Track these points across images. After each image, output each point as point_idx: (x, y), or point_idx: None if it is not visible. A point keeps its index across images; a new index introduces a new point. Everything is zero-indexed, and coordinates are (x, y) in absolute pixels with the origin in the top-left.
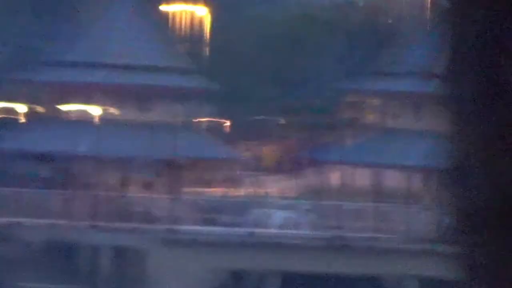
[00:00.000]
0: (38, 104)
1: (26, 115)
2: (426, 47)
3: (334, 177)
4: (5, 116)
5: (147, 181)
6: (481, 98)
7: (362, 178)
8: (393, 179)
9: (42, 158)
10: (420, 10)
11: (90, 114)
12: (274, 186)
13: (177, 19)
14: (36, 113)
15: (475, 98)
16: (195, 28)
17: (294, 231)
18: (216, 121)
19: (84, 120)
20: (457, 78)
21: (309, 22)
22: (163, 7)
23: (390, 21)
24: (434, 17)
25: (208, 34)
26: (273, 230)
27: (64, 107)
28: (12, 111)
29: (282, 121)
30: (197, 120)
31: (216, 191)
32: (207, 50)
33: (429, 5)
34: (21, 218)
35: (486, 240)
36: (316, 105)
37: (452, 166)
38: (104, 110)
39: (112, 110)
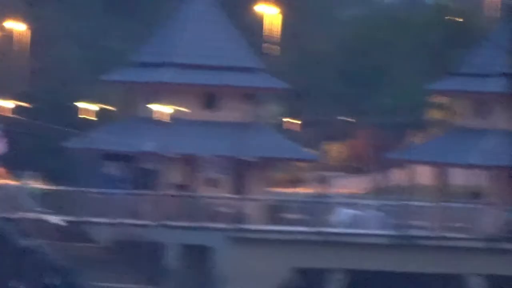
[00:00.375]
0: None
1: (113, 115)
2: (500, 47)
3: (404, 176)
4: (95, 117)
5: (213, 179)
6: None
7: (434, 176)
8: (465, 178)
9: (130, 159)
10: (495, 10)
11: (177, 113)
12: (345, 185)
13: (257, 20)
14: (122, 113)
15: None
16: (271, 29)
17: (361, 230)
18: (292, 121)
19: (171, 121)
20: None
21: (391, 24)
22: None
23: (469, 22)
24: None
25: (283, 35)
26: (340, 229)
27: (150, 107)
28: (100, 111)
29: (356, 120)
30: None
31: (287, 190)
32: (284, 51)
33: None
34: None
35: None
36: (388, 105)
37: None
38: (191, 110)
39: (195, 110)
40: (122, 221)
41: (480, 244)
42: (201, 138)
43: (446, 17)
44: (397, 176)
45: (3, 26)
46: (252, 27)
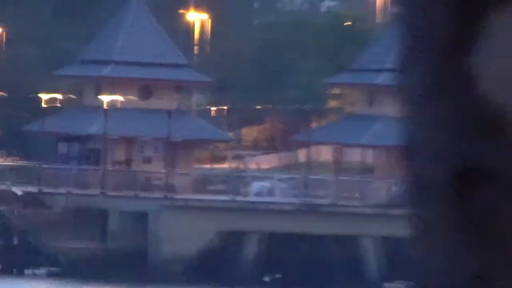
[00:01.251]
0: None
1: (65, 104)
2: (388, 47)
3: (308, 154)
4: (50, 105)
5: (148, 157)
6: (428, 89)
7: (333, 154)
8: (359, 156)
9: (79, 140)
10: (385, 16)
11: (111, 102)
12: (259, 162)
13: (188, 24)
14: (72, 102)
15: (423, 88)
16: (200, 32)
17: (272, 199)
18: (213, 108)
19: (113, 109)
20: (407, 70)
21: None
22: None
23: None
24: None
25: (209, 37)
26: (255, 198)
27: (96, 97)
28: (54, 101)
29: (269, 108)
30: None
31: (211, 166)
32: (211, 51)
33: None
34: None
35: (431, 203)
36: (294, 95)
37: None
38: (126, 99)
39: (129, 99)
40: (72, 191)
41: (371, 211)
42: (138, 123)
43: (342, 23)
44: (303, 155)
45: None
46: (184, 30)
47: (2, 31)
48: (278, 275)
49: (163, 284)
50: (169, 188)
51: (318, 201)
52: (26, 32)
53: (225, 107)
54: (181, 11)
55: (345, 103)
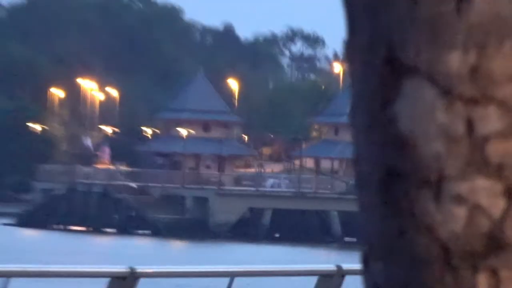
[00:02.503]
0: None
1: (159, 134)
2: (345, 99)
3: (300, 164)
4: (150, 134)
5: (208, 165)
6: (366, 126)
7: (311, 163)
8: (331, 164)
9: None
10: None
11: (187, 133)
12: (271, 168)
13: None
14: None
15: (363, 126)
16: None
17: (278, 188)
18: (245, 136)
19: (183, 136)
20: (354, 115)
21: None
22: None
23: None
24: None
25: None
26: (269, 188)
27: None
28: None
29: (276, 136)
30: None
31: (246, 170)
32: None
33: None
34: None
35: (367, 192)
36: (291, 129)
37: (353, 157)
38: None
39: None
40: (164, 185)
41: (336, 196)
42: (203, 145)
43: (319, 87)
44: (297, 163)
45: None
46: (227, 90)
47: (118, 92)
48: (282, 233)
49: (217, 239)
50: (220, 183)
51: (305, 190)
52: (134, 91)
53: (252, 136)
54: (225, 79)
55: (321, 134)
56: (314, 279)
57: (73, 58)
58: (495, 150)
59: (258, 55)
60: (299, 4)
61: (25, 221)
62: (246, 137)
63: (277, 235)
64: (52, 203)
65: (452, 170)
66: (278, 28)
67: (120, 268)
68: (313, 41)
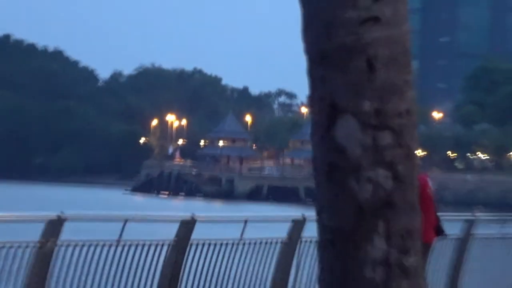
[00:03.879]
0: None
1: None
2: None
3: (285, 161)
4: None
5: (234, 163)
6: (316, 143)
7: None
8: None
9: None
10: None
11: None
12: (269, 163)
13: None
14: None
15: (316, 144)
16: None
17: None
18: (254, 147)
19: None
20: (312, 138)
21: None
22: None
23: None
24: None
25: None
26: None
27: None
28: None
29: (272, 147)
30: None
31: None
32: None
33: None
34: None
35: (319, 178)
36: (279, 143)
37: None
38: None
39: None
40: (211, 172)
41: (308, 177)
42: (230, 151)
43: (294, 120)
44: (281, 161)
45: None
46: (245, 122)
47: (186, 121)
48: (273, 197)
49: (239, 200)
50: (240, 171)
51: (286, 175)
52: (195, 121)
53: (257, 146)
54: (243, 116)
55: (294, 145)
56: (288, 223)
57: (164, 103)
58: (388, 155)
59: (261, 103)
60: (287, 70)
61: (135, 190)
62: (254, 146)
63: (270, 198)
64: (150, 181)
65: (365, 164)
66: (274, 87)
67: (186, 215)
68: (291, 95)
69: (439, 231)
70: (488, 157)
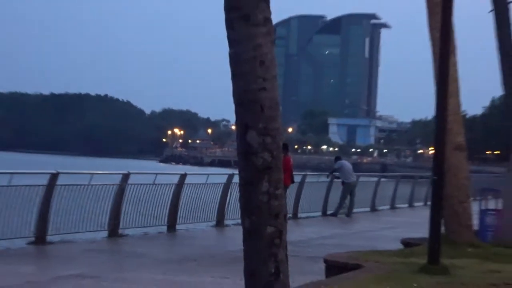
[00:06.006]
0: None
1: None
2: None
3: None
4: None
5: None
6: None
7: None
8: None
9: None
10: None
11: None
12: None
13: None
14: None
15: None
16: None
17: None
18: None
19: None
20: None
21: None
22: None
23: None
24: None
25: None
26: None
27: None
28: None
29: None
30: None
31: None
32: None
33: None
34: None
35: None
36: None
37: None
38: None
39: None
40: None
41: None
42: None
43: None
44: None
45: None
46: None
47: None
48: (221, 165)
49: (204, 166)
50: (206, 154)
51: (227, 155)
52: None
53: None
54: None
55: None
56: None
57: (173, 124)
58: (269, 147)
59: (212, 123)
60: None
61: (161, 162)
62: (212, 143)
63: (218, 165)
64: (167, 157)
65: (259, 151)
66: (219, 115)
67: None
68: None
69: (292, 181)
70: None
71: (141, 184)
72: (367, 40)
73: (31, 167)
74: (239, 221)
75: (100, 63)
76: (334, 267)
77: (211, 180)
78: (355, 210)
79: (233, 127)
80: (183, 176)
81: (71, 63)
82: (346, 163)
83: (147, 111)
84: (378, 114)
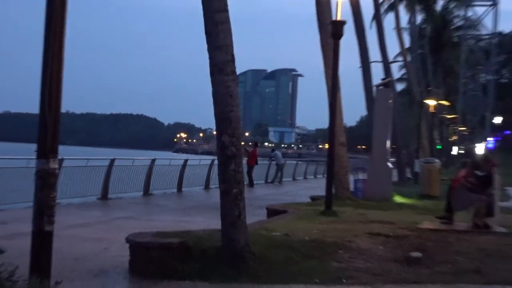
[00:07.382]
0: None
1: None
2: None
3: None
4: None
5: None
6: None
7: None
8: None
9: None
10: None
11: None
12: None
13: None
14: None
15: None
16: None
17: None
18: None
19: None
20: None
21: None
22: None
23: None
24: None
25: None
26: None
27: None
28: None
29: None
30: None
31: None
32: None
33: None
34: None
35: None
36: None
37: None
38: None
39: None
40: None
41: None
42: None
43: None
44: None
45: None
46: None
47: None
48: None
49: (198, 154)
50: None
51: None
52: None
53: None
54: None
55: None
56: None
57: (181, 131)
58: (234, 144)
59: (190, 127)
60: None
61: (173, 152)
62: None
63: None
64: (177, 149)
65: (229, 146)
66: (198, 122)
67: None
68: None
69: (256, 162)
70: None
71: (162, 165)
72: (290, 83)
73: (99, 155)
74: (218, 186)
75: (139, 91)
76: (272, 212)
77: (203, 162)
78: (283, 179)
79: (215, 132)
80: (186, 161)
81: (125, 92)
82: (278, 153)
83: (165, 123)
84: (296, 125)
